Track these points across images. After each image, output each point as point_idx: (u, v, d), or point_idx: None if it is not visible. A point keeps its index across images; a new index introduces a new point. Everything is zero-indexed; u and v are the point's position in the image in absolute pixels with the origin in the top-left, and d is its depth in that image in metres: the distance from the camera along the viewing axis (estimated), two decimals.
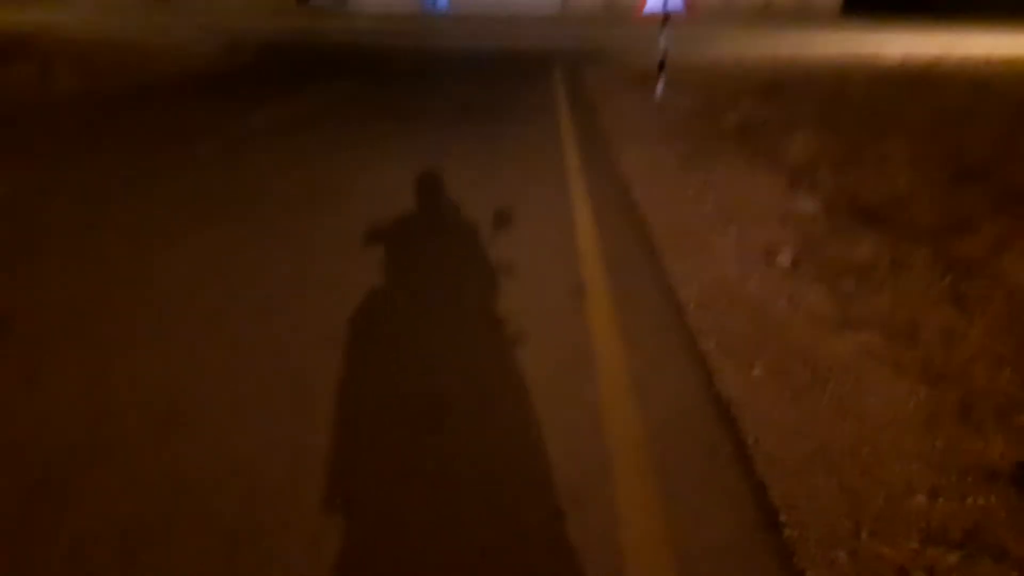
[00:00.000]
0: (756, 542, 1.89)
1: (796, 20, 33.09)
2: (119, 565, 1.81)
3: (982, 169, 5.46)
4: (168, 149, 6.36)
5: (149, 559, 1.83)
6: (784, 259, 3.83)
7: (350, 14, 36.36)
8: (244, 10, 33.88)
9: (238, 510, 2.00)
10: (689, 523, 1.95)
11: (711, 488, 2.10)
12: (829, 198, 4.86)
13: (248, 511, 2.00)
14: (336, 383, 2.66)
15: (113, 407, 2.49)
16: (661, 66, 9.54)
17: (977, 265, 3.70)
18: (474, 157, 6.25)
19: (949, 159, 5.79)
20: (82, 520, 1.96)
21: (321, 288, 3.51)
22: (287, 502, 2.04)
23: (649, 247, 4.11)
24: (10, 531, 1.92)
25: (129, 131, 7.22)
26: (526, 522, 1.97)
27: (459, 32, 24.50)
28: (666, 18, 9.39)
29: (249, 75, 11.87)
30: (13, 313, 3.18)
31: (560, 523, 1.95)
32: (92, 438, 2.31)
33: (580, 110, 8.89)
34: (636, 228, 4.44)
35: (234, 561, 1.82)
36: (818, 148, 6.18)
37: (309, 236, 4.23)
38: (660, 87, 9.56)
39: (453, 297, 3.45)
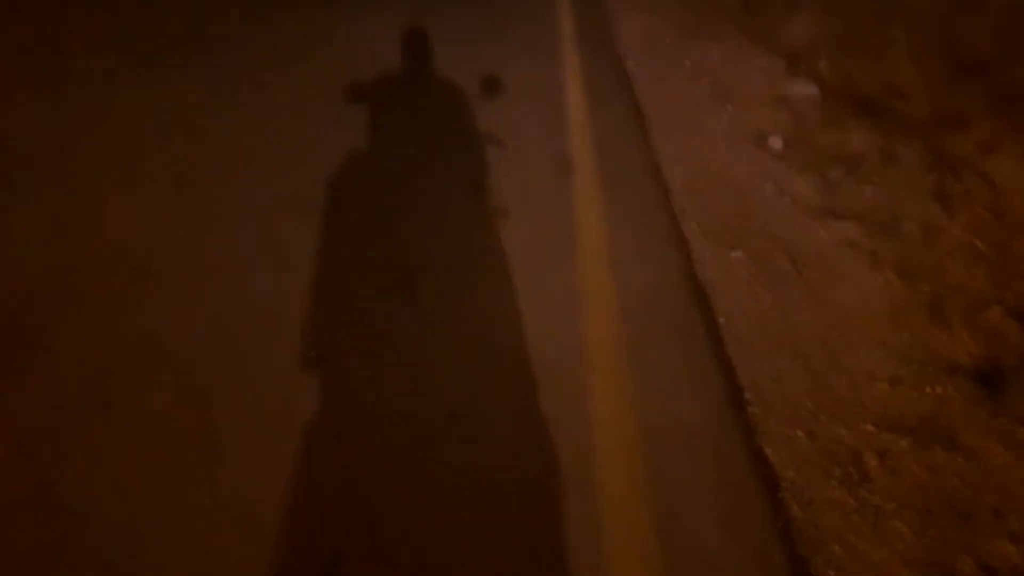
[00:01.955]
0: (720, 419, 1.96)
1: None
2: (92, 410, 1.83)
3: (982, 65, 5.31)
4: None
5: (123, 405, 1.85)
6: (775, 144, 3.76)
7: None
8: None
9: (212, 366, 2.02)
10: (657, 399, 2.01)
11: (680, 366, 2.15)
12: (826, 84, 4.73)
13: (221, 367, 2.02)
14: (311, 247, 2.63)
15: (80, 258, 2.44)
16: None
17: (965, 162, 3.66)
18: (463, 20, 5.95)
19: (950, 52, 5.62)
20: (54, 365, 1.96)
21: (297, 147, 3.40)
22: (260, 359, 2.06)
23: (640, 125, 4.01)
24: None
25: None
26: (499, 393, 2.01)
27: None
28: None
29: None
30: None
31: (532, 394, 2.00)
32: (60, 287, 2.29)
33: None
34: (628, 104, 4.32)
35: (208, 414, 1.85)
36: (819, 31, 5.95)
37: (285, 91, 4.06)
38: None
39: (434, 165, 3.37)
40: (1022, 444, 1.91)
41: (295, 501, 1.67)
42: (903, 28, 6.11)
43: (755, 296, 2.50)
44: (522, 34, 5.67)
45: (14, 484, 1.65)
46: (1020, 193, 3.14)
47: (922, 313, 2.49)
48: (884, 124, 4.12)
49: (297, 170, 3.17)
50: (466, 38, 5.35)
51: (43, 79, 3.90)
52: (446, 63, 4.74)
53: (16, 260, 2.40)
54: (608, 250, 2.75)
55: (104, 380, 1.93)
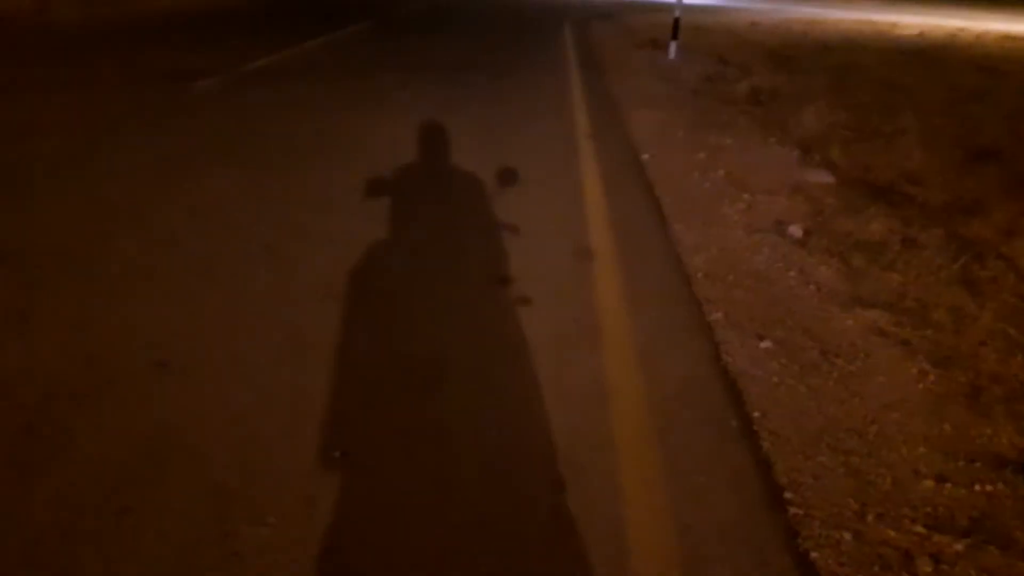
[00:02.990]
0: (760, 520, 1.86)
1: None
2: (106, 514, 1.76)
3: (995, 150, 5.37)
4: (165, 86, 6.20)
5: (138, 509, 1.78)
6: (795, 231, 3.76)
7: None
8: None
9: (231, 461, 1.96)
10: (692, 498, 1.92)
11: (715, 463, 2.06)
12: (841, 172, 4.78)
13: (241, 463, 1.95)
14: (335, 337, 2.60)
15: (106, 350, 2.43)
16: (675, 28, 9.34)
17: (988, 248, 3.65)
18: (481, 112, 6.13)
19: (962, 138, 5.71)
20: (71, 465, 1.91)
21: (321, 239, 3.43)
22: (282, 456, 1.99)
23: (657, 213, 4.03)
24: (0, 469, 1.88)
25: (126, 65, 7.05)
26: (525, 491, 1.93)
27: None
28: None
29: (252, 16, 11.59)
30: (6, 247, 3.11)
31: (560, 494, 1.91)
32: (84, 380, 2.26)
33: (590, 71, 8.70)
34: (645, 193, 4.36)
35: (225, 516, 1.78)
36: (831, 120, 6.07)
37: (309, 185, 4.14)
38: (673, 50, 9.38)
39: (455, 255, 3.38)
40: None
41: None
42: (912, 117, 6.24)
43: (788, 388, 2.44)
44: (538, 128, 5.82)
45: None
46: None
47: (961, 404, 2.41)
48: (902, 210, 4.13)
49: (320, 261, 3.19)
50: (484, 133, 5.49)
51: (75, 175, 4.00)
52: (465, 156, 4.84)
53: (40, 356, 2.38)
54: (633, 341, 2.71)
55: (122, 480, 1.87)
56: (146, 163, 4.28)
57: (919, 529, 1.84)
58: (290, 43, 8.84)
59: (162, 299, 2.79)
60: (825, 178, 4.67)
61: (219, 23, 10.35)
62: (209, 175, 4.16)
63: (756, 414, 2.28)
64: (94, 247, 3.19)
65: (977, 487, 2.02)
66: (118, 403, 2.17)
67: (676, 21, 9.32)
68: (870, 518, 1.87)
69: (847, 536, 1.81)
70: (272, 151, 4.71)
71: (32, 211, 3.52)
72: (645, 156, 5.12)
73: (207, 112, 5.56)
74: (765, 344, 2.69)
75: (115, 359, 2.39)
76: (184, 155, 4.49)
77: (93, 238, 3.28)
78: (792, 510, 1.88)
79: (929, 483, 2.02)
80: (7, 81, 6.12)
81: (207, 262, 3.12)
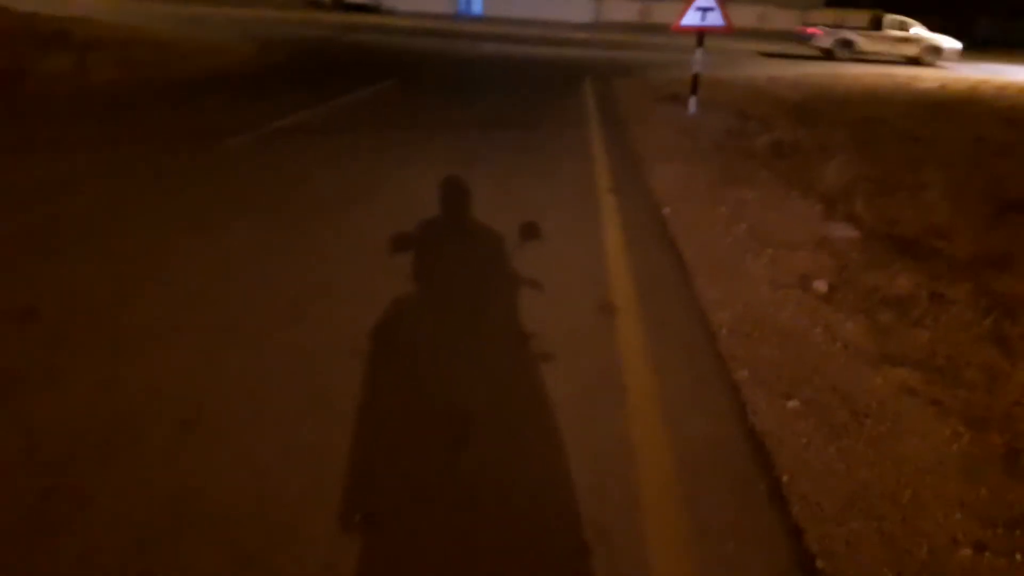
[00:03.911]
0: None
1: None
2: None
3: (1020, 202, 5.32)
4: (198, 144, 6.36)
5: (162, 572, 1.77)
6: (820, 287, 3.73)
7: (384, 15, 36.57)
8: (280, 8, 34.19)
9: (253, 522, 1.95)
10: (721, 566, 1.87)
11: (744, 529, 2.01)
12: (865, 226, 4.75)
13: (263, 524, 1.94)
14: (358, 394, 2.60)
15: (131, 408, 2.45)
16: (694, 83, 9.45)
17: (1019, 303, 3.58)
18: (503, 168, 6.20)
19: (988, 191, 5.66)
20: (94, 526, 1.91)
21: (345, 294, 3.46)
22: (304, 517, 1.98)
23: (680, 269, 4.02)
24: (21, 533, 1.87)
25: (161, 124, 7.25)
26: (550, 555, 1.89)
27: (492, 38, 24.49)
28: (703, 32, 9.29)
29: (282, 74, 11.91)
30: (39, 305, 3.16)
31: (586, 559, 1.87)
32: (109, 439, 2.27)
33: (611, 125, 8.81)
34: (667, 249, 4.36)
35: None
36: (854, 174, 6.06)
37: (334, 240, 4.19)
38: (693, 104, 9.48)
39: (478, 310, 3.38)
40: None
41: None
42: (937, 170, 6.21)
43: (817, 450, 2.38)
44: (559, 182, 5.86)
45: None
46: None
47: (998, 467, 2.35)
48: (929, 265, 4.08)
49: (345, 317, 3.21)
50: (506, 187, 5.55)
51: (104, 232, 4.08)
52: (488, 211, 4.88)
53: (66, 415, 2.40)
54: (658, 398, 2.67)
55: (145, 542, 1.86)
56: (175, 220, 4.36)
57: None
58: (318, 102, 9.06)
59: (187, 356, 2.81)
60: (849, 232, 4.64)
61: (251, 83, 10.66)
62: (236, 231, 4.23)
63: (785, 477, 2.23)
64: (121, 304, 3.24)
65: (1018, 556, 1.95)
66: (142, 462, 2.18)
67: (695, 77, 9.43)
68: None
69: None
70: (298, 207, 4.79)
71: (62, 268, 3.58)
72: (667, 210, 5.13)
73: (235, 169, 5.68)
74: (792, 404, 2.65)
75: (140, 417, 2.40)
76: (212, 212, 4.58)
77: (120, 295, 3.33)
78: None
79: (967, 552, 1.95)
80: (43, 140, 6.30)
81: (232, 318, 3.15)
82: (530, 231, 4.47)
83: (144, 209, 4.54)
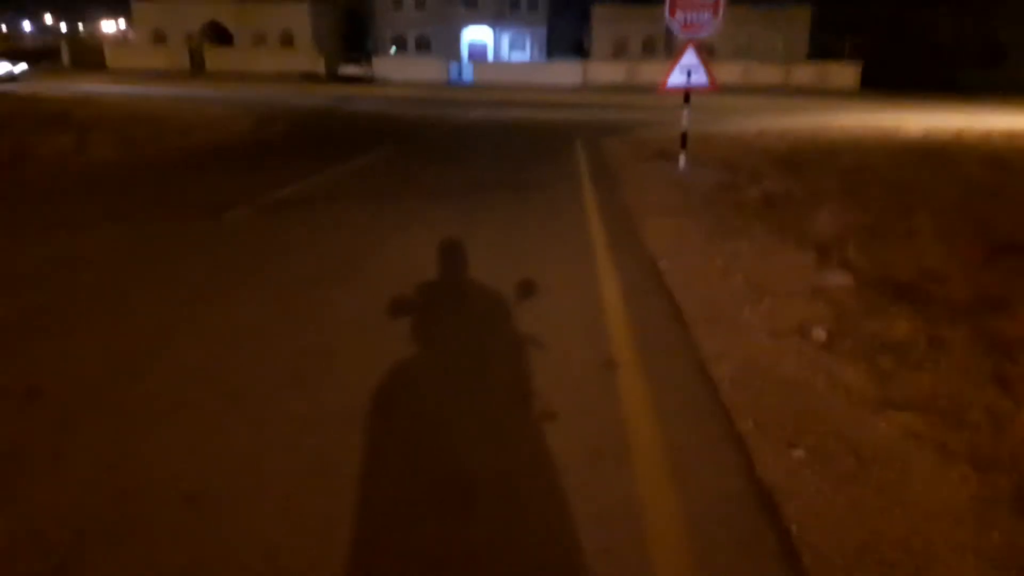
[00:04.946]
0: None
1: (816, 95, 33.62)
2: None
3: (1014, 244, 5.38)
4: (196, 218, 6.45)
5: None
6: (819, 335, 3.75)
7: (378, 85, 37.38)
8: (276, 82, 35.03)
9: None
10: None
11: None
12: (860, 273, 4.79)
13: None
14: (361, 464, 2.58)
15: (137, 485, 2.43)
16: (684, 139, 9.65)
17: (1018, 344, 3.59)
18: (500, 229, 6.29)
19: (980, 234, 5.73)
20: None
21: (345, 362, 3.47)
22: None
23: (679, 322, 4.04)
24: None
25: (160, 200, 7.37)
26: None
27: (483, 104, 25.02)
28: (689, 92, 9.52)
29: (279, 146, 12.15)
30: (43, 384, 3.16)
31: None
32: (115, 517, 2.25)
33: (603, 184, 8.96)
34: (664, 303, 4.39)
35: None
36: (846, 221, 6.15)
37: (334, 308, 4.22)
38: (683, 160, 9.65)
39: (479, 372, 3.39)
40: None
41: None
42: (927, 215, 6.30)
43: (825, 498, 2.37)
44: (555, 242, 5.93)
45: None
46: None
47: (1008, 510, 2.32)
48: (926, 309, 4.11)
49: (347, 384, 3.21)
50: (503, 248, 5.62)
51: (107, 309, 4.11)
52: (486, 272, 4.93)
53: (71, 494, 2.38)
54: (663, 454, 2.66)
55: None
56: (177, 294, 4.40)
57: None
58: (316, 171, 9.24)
59: (191, 430, 2.81)
60: (844, 279, 4.68)
61: (250, 155, 10.88)
62: (237, 302, 4.27)
63: (794, 528, 2.21)
64: (125, 380, 3.24)
65: None
66: (149, 540, 2.15)
67: (684, 134, 9.63)
68: None
69: None
70: (298, 275, 4.84)
71: (66, 346, 3.60)
72: (663, 264, 5.19)
73: (236, 241, 5.76)
74: (798, 453, 2.64)
75: (146, 494, 2.38)
76: (213, 284, 4.63)
77: (124, 371, 3.34)
78: None
79: None
80: (43, 221, 6.39)
81: (235, 390, 3.15)
82: (528, 289, 4.51)
83: (145, 283, 4.58)
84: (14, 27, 56.74)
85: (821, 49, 43.37)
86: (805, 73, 41.65)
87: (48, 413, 2.92)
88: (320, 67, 43.42)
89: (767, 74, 41.34)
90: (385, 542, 2.17)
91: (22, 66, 33.69)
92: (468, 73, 41.53)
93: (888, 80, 39.86)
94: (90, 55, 47.49)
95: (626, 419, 2.94)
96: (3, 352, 3.52)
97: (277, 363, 3.45)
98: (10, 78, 31.63)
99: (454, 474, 2.53)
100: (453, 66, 40.81)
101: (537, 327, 3.90)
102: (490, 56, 45.16)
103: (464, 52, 45.81)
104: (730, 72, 38.52)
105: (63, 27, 55.46)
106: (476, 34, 46.66)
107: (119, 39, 49.39)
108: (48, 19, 55.35)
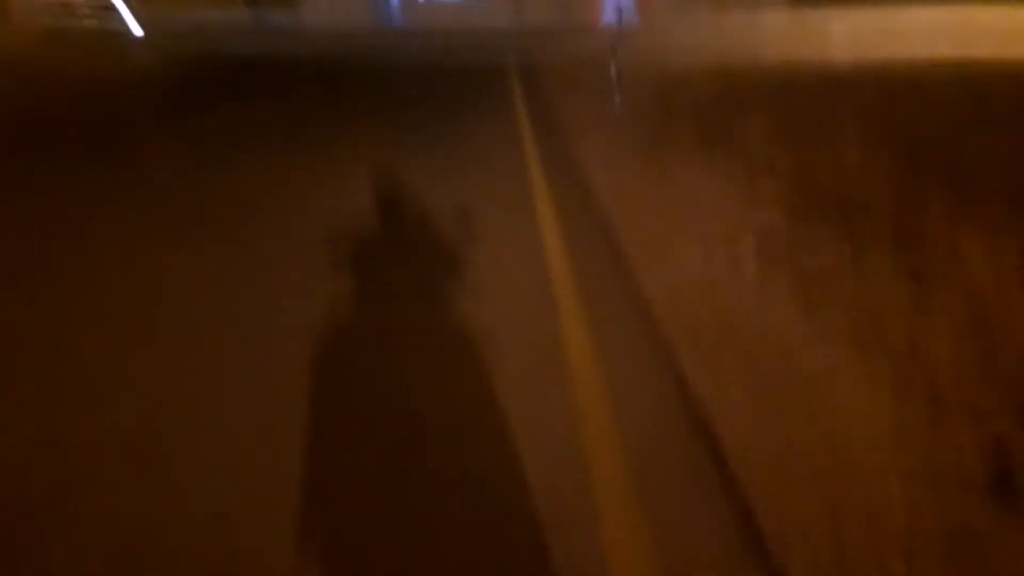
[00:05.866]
0: (745, 570, 1.89)
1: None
2: None
3: (932, 159, 5.57)
4: (112, 165, 6.14)
5: None
6: (751, 266, 3.84)
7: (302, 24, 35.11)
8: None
9: (214, 551, 1.92)
10: (677, 554, 1.94)
11: (696, 513, 2.09)
12: (789, 188, 4.91)
13: (224, 553, 1.92)
14: (309, 410, 2.57)
15: (79, 452, 2.36)
16: (617, 74, 9.50)
17: (937, 269, 3.73)
18: (437, 170, 6.18)
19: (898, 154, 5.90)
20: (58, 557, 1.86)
21: (287, 304, 3.44)
22: (263, 540, 1.96)
23: (615, 253, 4.09)
24: None
25: (69, 152, 6.93)
26: (511, 557, 1.93)
27: (414, 45, 24.04)
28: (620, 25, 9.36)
29: (196, 90, 11.53)
30: None
31: (544, 558, 1.92)
32: (60, 477, 2.20)
33: (538, 119, 8.86)
34: (601, 234, 4.43)
35: None
36: (773, 128, 6.27)
37: (271, 251, 4.14)
38: (617, 95, 9.53)
39: (421, 310, 3.40)
40: None
41: None
42: (853, 132, 6.45)
43: (756, 426, 2.48)
44: (494, 175, 5.93)
45: None
46: (998, 302, 3.22)
47: (926, 432, 2.48)
48: (848, 221, 4.23)
49: (287, 327, 3.17)
50: (443, 184, 5.59)
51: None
52: (423, 211, 4.91)
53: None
54: (601, 383, 2.75)
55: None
56: (100, 248, 4.25)
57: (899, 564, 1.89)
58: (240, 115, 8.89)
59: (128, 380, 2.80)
60: (771, 190, 4.81)
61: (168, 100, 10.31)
62: (171, 246, 4.18)
63: (732, 461, 2.32)
64: (59, 336, 3.13)
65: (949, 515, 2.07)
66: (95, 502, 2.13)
67: (618, 69, 9.45)
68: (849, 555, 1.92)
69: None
70: (228, 224, 4.71)
71: None
72: (599, 196, 5.21)
73: (160, 189, 5.54)
74: (729, 378, 2.76)
75: (90, 458, 2.34)
76: (139, 230, 4.47)
77: (56, 328, 3.21)
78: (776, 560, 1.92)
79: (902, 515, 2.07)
80: None
81: (169, 338, 3.12)
82: (468, 228, 4.50)
83: (64, 248, 4.29)
84: None
85: None
86: None
87: None
88: None
89: None
90: (336, 488, 2.19)
91: None
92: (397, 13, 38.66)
93: None
94: None
95: (566, 351, 3.01)
96: None
97: (215, 310, 3.42)
98: None
99: (401, 415, 2.57)
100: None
101: (477, 263, 3.93)
102: None
103: None
104: None
105: None
106: None
107: None
108: None
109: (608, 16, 9.27)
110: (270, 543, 1.95)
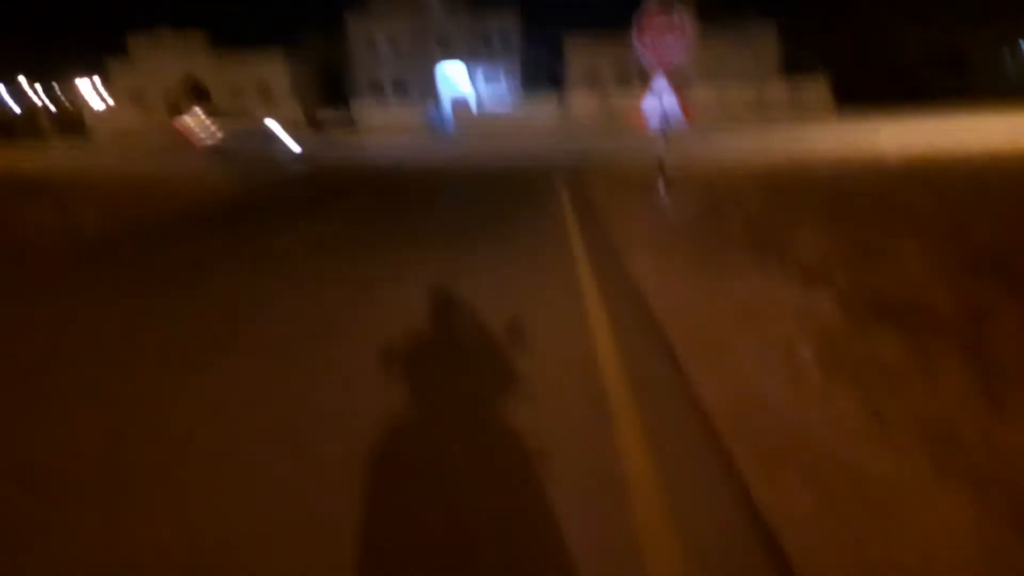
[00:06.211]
0: None
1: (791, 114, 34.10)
2: None
3: (994, 258, 5.44)
4: (183, 280, 6.47)
5: None
6: (809, 362, 3.76)
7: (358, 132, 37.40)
8: None
9: None
10: None
11: None
12: (845, 293, 4.83)
13: None
14: (360, 525, 2.55)
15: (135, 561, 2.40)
16: (661, 167, 9.76)
17: (1007, 358, 3.61)
18: (486, 273, 6.31)
19: (961, 250, 5.79)
20: None
21: (340, 419, 3.44)
22: None
23: (669, 356, 4.04)
24: None
25: (142, 266, 7.37)
26: None
27: (465, 147, 25.16)
28: (666, 126, 9.65)
29: (263, 203, 12.20)
30: (31, 460, 3.13)
31: None
32: None
33: (586, 218, 9.03)
34: (654, 336, 4.40)
35: None
36: (828, 241, 6.22)
37: (324, 364, 4.21)
38: (662, 190, 9.75)
39: (472, 420, 3.38)
40: None
41: None
42: (908, 231, 6.38)
43: (826, 531, 2.37)
44: (542, 278, 5.97)
45: None
46: None
47: (1007, 529, 2.33)
48: (913, 328, 4.12)
49: (342, 443, 3.18)
50: (492, 289, 5.66)
51: (91, 373, 4.09)
52: (474, 316, 4.97)
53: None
54: (662, 494, 2.65)
55: None
56: (165, 361, 4.39)
57: None
58: (300, 225, 9.31)
59: (181, 499, 2.80)
60: (828, 299, 4.72)
61: (237, 213, 10.91)
62: (230, 360, 4.29)
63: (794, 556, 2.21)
64: (119, 452, 3.20)
65: None
66: None
67: (661, 162, 9.75)
68: None
69: None
70: (287, 333, 4.83)
71: (58, 429, 3.54)
72: (649, 297, 5.20)
73: (222, 300, 5.77)
74: (797, 489, 2.63)
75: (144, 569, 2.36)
76: (202, 342, 4.63)
77: (117, 443, 3.30)
78: None
79: None
80: (29, 287, 6.39)
81: (223, 455, 3.14)
82: (517, 331, 4.54)
83: (134, 358, 4.50)
84: None
85: (790, 64, 43.96)
86: (777, 90, 42.27)
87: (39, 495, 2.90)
88: (299, 116, 43.71)
89: (739, 94, 41.91)
90: None
91: None
92: (449, 118, 41.17)
93: (859, 91, 40.53)
94: (71, 120, 48.02)
95: (623, 460, 2.93)
96: None
97: (269, 423, 3.43)
98: None
99: (451, 528, 2.52)
100: (432, 108, 40.79)
101: (528, 370, 3.90)
102: (473, 109, 45.10)
103: (443, 98, 45.85)
104: (703, 94, 39.04)
105: (39, 89, 55.61)
106: (451, 71, 47.12)
107: (98, 101, 49.72)
108: (23, 81, 55.36)
109: (654, 122, 9.43)
110: None
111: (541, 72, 50.91)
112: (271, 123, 23.13)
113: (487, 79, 47.70)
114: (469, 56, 46.84)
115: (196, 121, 24.33)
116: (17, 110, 54.22)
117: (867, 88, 41.38)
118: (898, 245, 6.01)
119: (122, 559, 2.41)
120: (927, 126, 22.30)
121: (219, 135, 22.95)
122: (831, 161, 13.34)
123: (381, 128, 40.16)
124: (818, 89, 41.85)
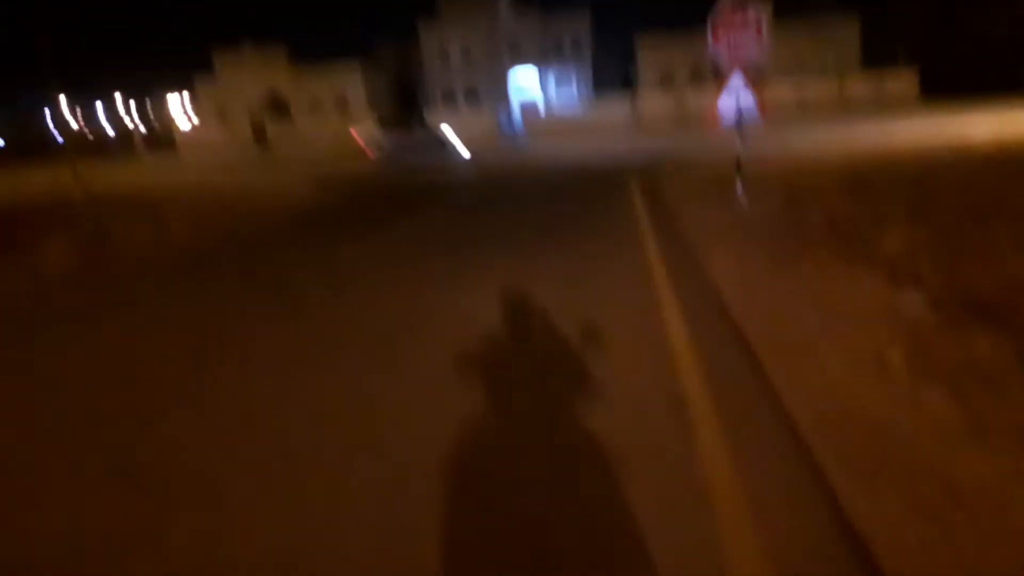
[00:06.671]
0: None
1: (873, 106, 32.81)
2: None
3: None
4: (266, 288, 6.70)
5: None
6: (898, 363, 3.60)
7: None
8: (335, 152, 35.94)
9: None
10: None
11: None
12: (934, 292, 4.60)
13: None
14: (441, 533, 2.56)
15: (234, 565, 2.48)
16: (738, 165, 9.54)
17: None
18: (559, 274, 6.29)
19: None
20: None
21: (420, 423, 3.49)
22: None
23: (749, 357, 3.94)
24: None
25: (230, 275, 7.68)
26: None
27: (535, 153, 25.17)
28: (741, 123, 9.42)
29: (340, 212, 12.51)
30: (135, 468, 3.26)
31: None
32: None
33: (660, 218, 8.90)
34: (732, 337, 4.29)
35: None
36: (913, 238, 5.94)
37: (405, 368, 4.28)
38: (739, 187, 9.52)
39: (548, 424, 3.37)
40: None
41: None
42: (1003, 223, 6.03)
43: (924, 546, 2.24)
44: (617, 279, 5.91)
45: None
46: None
47: None
48: (1009, 324, 3.90)
49: (424, 447, 3.21)
50: (565, 290, 5.64)
51: (184, 381, 4.26)
52: (548, 318, 4.96)
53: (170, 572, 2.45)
54: (745, 501, 2.57)
55: None
56: (256, 369, 4.56)
57: None
58: (375, 232, 9.51)
59: (272, 501, 2.88)
60: (918, 298, 4.50)
61: (314, 223, 11.23)
62: (314, 367, 4.42)
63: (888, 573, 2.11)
64: (221, 460, 3.29)
65: None
66: None
67: (738, 160, 9.52)
68: None
69: None
70: (368, 337, 4.95)
71: (153, 430, 3.70)
72: (727, 297, 5.08)
73: (307, 308, 5.95)
74: (889, 497, 2.50)
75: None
76: (289, 350, 4.80)
77: (219, 452, 3.38)
78: None
79: None
80: (133, 299, 6.72)
81: (312, 458, 3.21)
82: (591, 333, 4.51)
83: (224, 369, 4.64)
84: (88, 110, 59.75)
85: (874, 57, 42.29)
86: (860, 84, 40.66)
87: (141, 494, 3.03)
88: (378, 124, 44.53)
89: (820, 89, 40.49)
90: None
91: None
92: (519, 122, 41.27)
93: (946, 84, 38.54)
94: (161, 138, 50.79)
95: (703, 465, 2.86)
96: None
97: (354, 429, 3.50)
98: None
99: (530, 540, 2.49)
100: (503, 116, 40.91)
101: (604, 372, 3.87)
102: (541, 111, 45.10)
103: (514, 104, 46.00)
104: (782, 90, 37.91)
105: (132, 106, 58.83)
106: (522, 77, 47.25)
107: (185, 118, 52.33)
108: (118, 98, 58.53)
109: (730, 121, 9.20)
110: None
111: (613, 74, 50.59)
112: (445, 129, 23.60)
113: (559, 83, 47.63)
114: (541, 61, 46.87)
115: (364, 131, 25.19)
116: (111, 130, 57.45)
117: (955, 78, 39.30)
118: (991, 238, 5.69)
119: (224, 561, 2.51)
120: (1019, 115, 21.09)
121: (387, 143, 23.69)
122: (916, 153, 12.76)
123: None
124: (904, 81, 40.03)
